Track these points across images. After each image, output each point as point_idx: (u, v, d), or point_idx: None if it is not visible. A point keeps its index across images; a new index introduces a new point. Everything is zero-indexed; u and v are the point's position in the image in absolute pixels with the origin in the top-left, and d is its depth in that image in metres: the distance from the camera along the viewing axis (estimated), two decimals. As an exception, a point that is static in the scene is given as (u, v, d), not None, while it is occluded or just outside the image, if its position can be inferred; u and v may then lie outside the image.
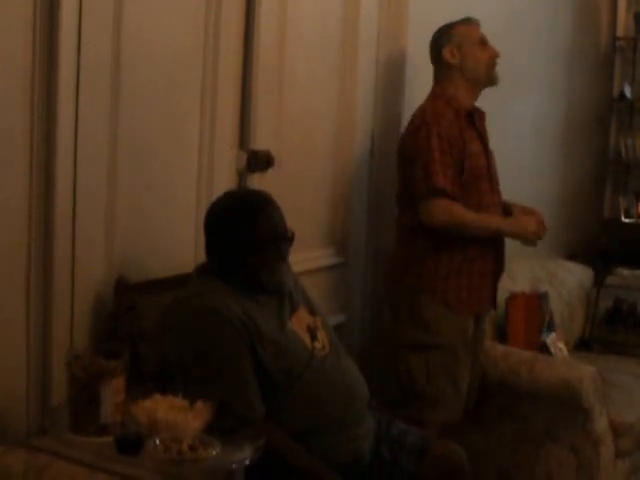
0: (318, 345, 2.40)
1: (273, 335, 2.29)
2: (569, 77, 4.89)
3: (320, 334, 2.43)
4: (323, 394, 2.32)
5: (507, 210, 3.18)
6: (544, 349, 3.52)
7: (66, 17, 2.18)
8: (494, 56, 3.13)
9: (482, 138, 3.14)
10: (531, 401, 3.24)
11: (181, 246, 2.63)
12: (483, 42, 3.14)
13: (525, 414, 3.27)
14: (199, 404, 2.02)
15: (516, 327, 3.50)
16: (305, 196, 3.16)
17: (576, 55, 4.95)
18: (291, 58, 2.99)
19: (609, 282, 4.57)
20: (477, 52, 3.11)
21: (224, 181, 2.73)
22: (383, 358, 3.19)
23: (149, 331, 2.36)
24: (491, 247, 3.11)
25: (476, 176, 3.06)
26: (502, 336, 3.49)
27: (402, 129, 3.20)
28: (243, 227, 2.32)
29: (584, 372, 3.15)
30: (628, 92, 5.31)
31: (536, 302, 3.60)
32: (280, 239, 2.36)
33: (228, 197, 2.44)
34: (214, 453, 1.97)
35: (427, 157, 2.97)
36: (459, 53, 3.12)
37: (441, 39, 3.14)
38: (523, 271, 3.90)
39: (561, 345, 3.64)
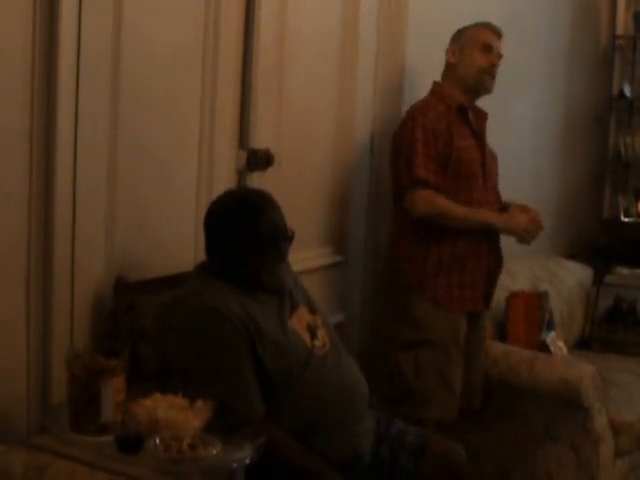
0: (318, 344, 2.40)
1: (273, 334, 2.29)
2: (569, 76, 4.89)
3: (320, 332, 2.44)
4: (323, 393, 2.32)
5: (506, 209, 3.18)
6: (544, 348, 3.52)
7: (66, 16, 2.18)
8: (491, 64, 3.10)
9: (477, 136, 3.13)
10: (531, 400, 3.24)
11: (181, 245, 2.62)
12: (487, 48, 3.11)
13: (525, 413, 3.27)
14: (199, 403, 2.02)
15: (516, 326, 3.50)
16: (305, 195, 3.17)
17: (576, 54, 4.95)
18: (291, 57, 2.99)
19: (609, 281, 4.57)
20: (475, 55, 3.10)
21: (224, 180, 2.73)
22: (382, 357, 3.20)
23: (149, 330, 2.36)
24: (484, 244, 3.09)
25: (466, 172, 3.05)
26: (502, 335, 3.49)
27: (401, 128, 3.21)
28: (243, 226, 2.32)
29: (584, 371, 3.15)
30: (627, 91, 5.32)
31: (536, 301, 3.60)
32: (280, 238, 2.37)
33: (228, 196, 2.44)
34: (214, 452, 1.97)
35: (410, 149, 3.00)
36: (460, 54, 3.12)
37: (453, 38, 3.17)
38: (523, 270, 3.90)
39: (561, 344, 3.64)
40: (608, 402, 3.25)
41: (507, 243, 3.20)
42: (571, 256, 4.62)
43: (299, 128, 3.09)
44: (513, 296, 3.55)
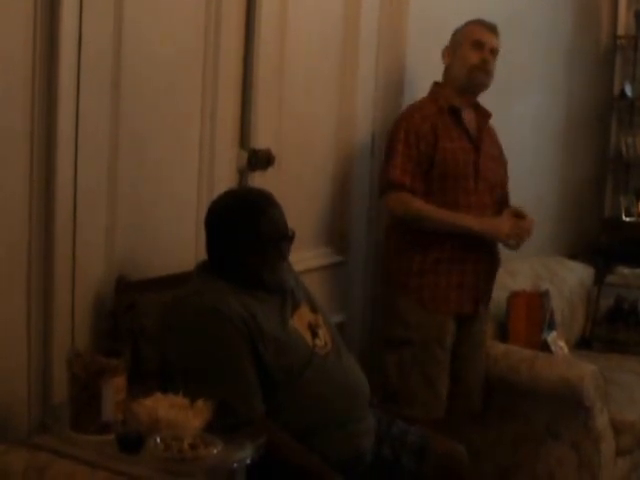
0: (319, 343, 2.40)
1: (274, 332, 2.29)
2: (569, 76, 4.89)
3: (322, 331, 2.43)
4: (324, 392, 2.32)
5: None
6: (545, 348, 3.51)
7: (67, 16, 2.18)
8: (483, 60, 3.05)
9: (472, 137, 3.10)
10: (531, 399, 3.23)
11: (181, 244, 2.63)
12: (477, 44, 3.07)
13: (526, 412, 3.27)
14: (200, 403, 2.02)
15: (517, 325, 3.50)
16: (305, 195, 3.17)
17: (576, 54, 4.95)
18: (291, 57, 2.99)
19: (610, 280, 4.56)
20: (466, 54, 3.07)
21: (225, 180, 2.73)
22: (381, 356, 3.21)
23: (149, 329, 2.36)
24: (474, 247, 3.05)
25: (453, 173, 3.02)
26: (503, 334, 3.49)
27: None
28: (244, 226, 2.33)
29: (585, 370, 3.15)
30: (629, 91, 5.31)
31: (537, 300, 3.60)
32: (281, 238, 2.37)
33: (229, 196, 2.44)
34: (215, 452, 1.97)
35: (391, 150, 3.03)
36: (453, 55, 3.11)
37: (450, 38, 3.14)
38: (524, 269, 3.90)
39: (562, 343, 3.64)
40: (609, 401, 3.25)
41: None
42: (572, 256, 4.62)
43: (299, 127, 3.09)
44: (514, 295, 3.55)
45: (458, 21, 3.20)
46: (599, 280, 4.39)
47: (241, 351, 2.23)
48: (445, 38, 3.18)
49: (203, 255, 2.44)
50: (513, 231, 3.04)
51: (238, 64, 2.79)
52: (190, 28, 2.59)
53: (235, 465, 2.02)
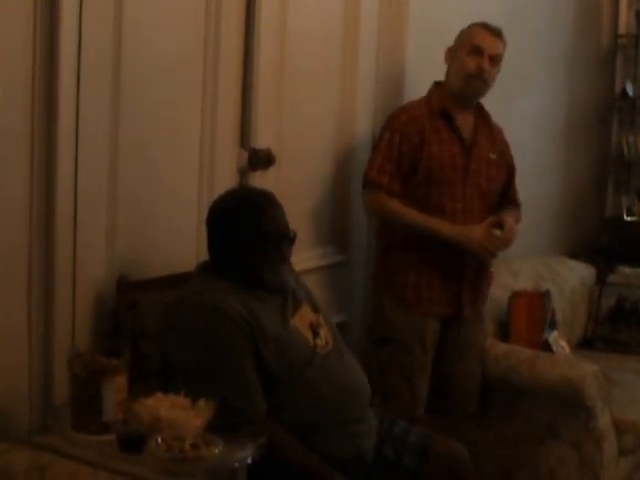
0: (320, 342, 2.40)
1: (275, 332, 2.29)
2: (570, 75, 4.89)
3: (323, 331, 2.43)
4: (325, 391, 2.32)
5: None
6: (546, 347, 3.51)
7: (67, 16, 2.18)
8: (480, 69, 2.99)
9: (464, 141, 3.05)
10: (533, 399, 3.23)
11: (182, 244, 2.63)
12: (476, 50, 3.01)
13: (526, 412, 3.26)
14: (201, 402, 2.02)
15: (518, 325, 3.50)
16: (306, 194, 3.17)
17: (577, 53, 4.94)
18: (292, 57, 2.99)
19: (611, 280, 4.56)
20: (464, 59, 3.02)
21: (225, 180, 2.73)
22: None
23: (150, 329, 2.36)
24: (459, 253, 3.00)
25: (438, 178, 2.99)
26: (504, 334, 3.49)
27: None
28: (245, 226, 2.33)
29: (586, 370, 3.15)
30: (630, 90, 5.30)
31: (538, 300, 3.60)
32: (281, 238, 2.37)
33: (230, 196, 2.45)
34: (216, 451, 1.97)
35: (375, 149, 3.07)
36: (454, 56, 3.08)
37: (455, 39, 3.12)
38: (525, 269, 3.90)
39: (563, 343, 3.64)
40: (611, 401, 3.25)
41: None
42: (574, 255, 4.61)
43: (300, 127, 3.09)
44: (515, 295, 3.55)
45: (458, 21, 3.19)
46: (600, 280, 4.39)
47: (242, 350, 2.23)
48: (445, 38, 3.18)
49: (204, 255, 2.44)
50: (486, 241, 2.98)
51: (238, 64, 2.79)
52: (190, 28, 2.59)
53: (236, 465, 2.03)
